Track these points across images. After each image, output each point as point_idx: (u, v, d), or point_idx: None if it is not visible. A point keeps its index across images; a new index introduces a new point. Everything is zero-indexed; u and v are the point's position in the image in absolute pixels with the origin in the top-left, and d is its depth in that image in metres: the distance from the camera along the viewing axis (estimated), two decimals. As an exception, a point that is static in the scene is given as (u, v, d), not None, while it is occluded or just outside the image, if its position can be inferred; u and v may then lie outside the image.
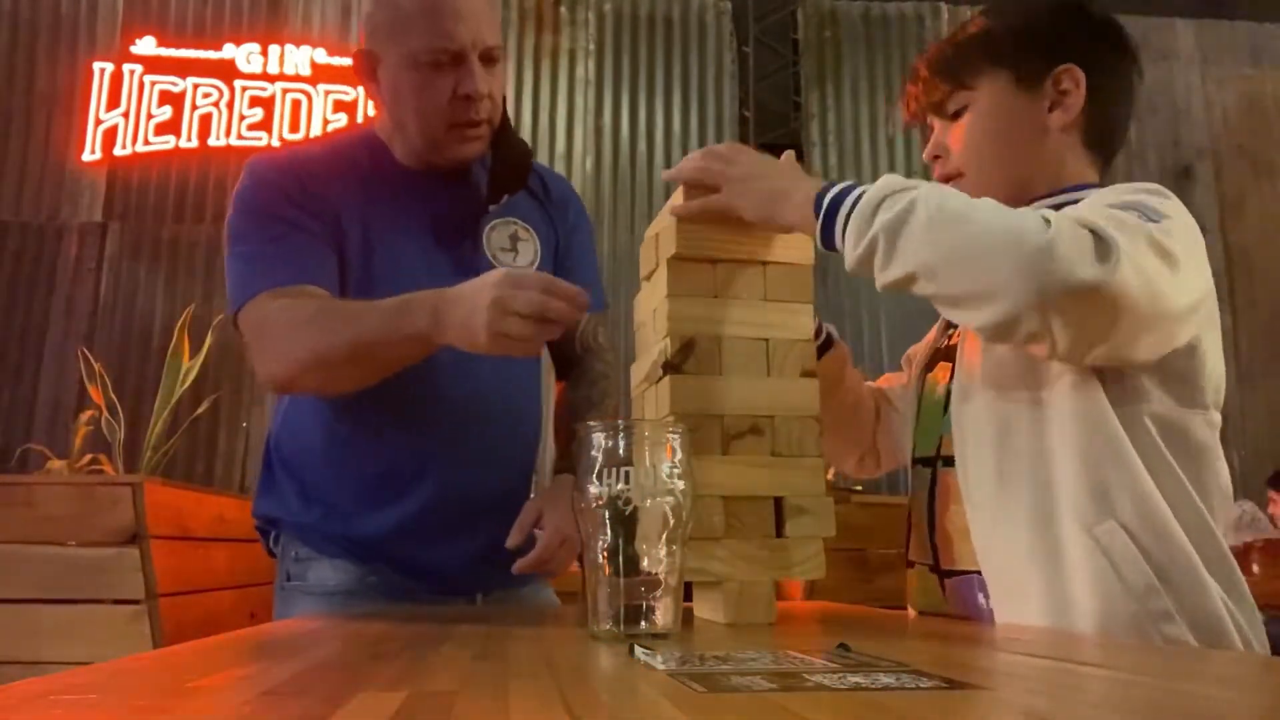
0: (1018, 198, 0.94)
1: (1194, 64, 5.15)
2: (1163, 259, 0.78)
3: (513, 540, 1.14)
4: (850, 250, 0.83)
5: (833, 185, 0.86)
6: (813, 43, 4.79)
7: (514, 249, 1.27)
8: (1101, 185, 0.99)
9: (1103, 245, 0.75)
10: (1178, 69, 5.11)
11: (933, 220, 0.79)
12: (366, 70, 1.24)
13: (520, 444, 1.31)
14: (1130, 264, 0.75)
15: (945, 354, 1.04)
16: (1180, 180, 5.06)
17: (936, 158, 1.04)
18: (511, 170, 1.27)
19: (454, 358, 1.06)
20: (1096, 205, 0.83)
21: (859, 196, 0.84)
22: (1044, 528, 0.88)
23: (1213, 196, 5.08)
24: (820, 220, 0.85)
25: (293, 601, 1.22)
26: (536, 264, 1.28)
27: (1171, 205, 0.86)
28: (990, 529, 0.92)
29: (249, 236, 1.17)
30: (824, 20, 4.84)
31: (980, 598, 0.94)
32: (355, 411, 1.20)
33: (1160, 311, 0.80)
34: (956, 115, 1.02)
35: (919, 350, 1.15)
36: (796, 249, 0.93)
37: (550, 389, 1.39)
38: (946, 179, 1.02)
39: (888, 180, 0.84)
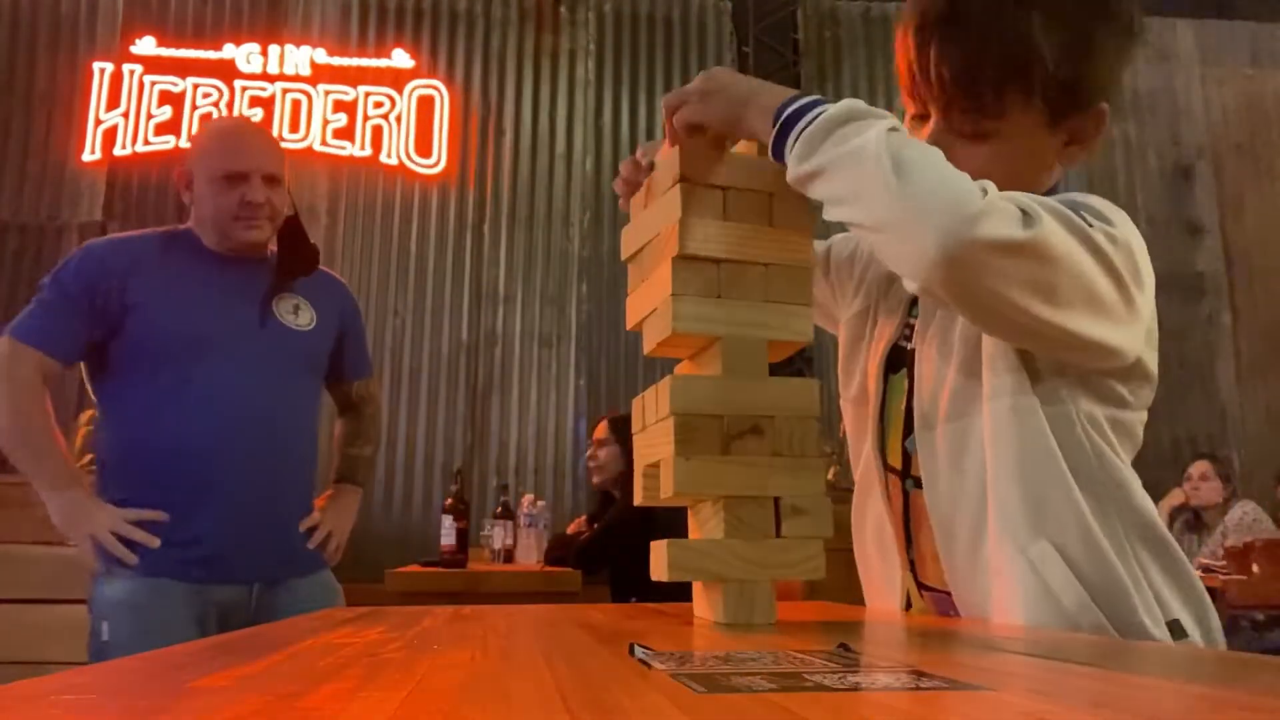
0: None
1: (1194, 64, 5.15)
2: (1093, 254, 0.78)
3: (304, 526, 1.74)
4: (792, 167, 0.82)
5: (799, 98, 0.84)
6: (813, 43, 4.80)
7: (296, 314, 1.78)
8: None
9: (1028, 218, 0.75)
10: (1177, 69, 5.11)
11: (882, 171, 0.75)
12: (184, 182, 1.74)
13: (301, 460, 1.78)
14: (1054, 234, 0.75)
15: (907, 359, 1.02)
16: (1180, 180, 5.06)
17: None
18: (299, 263, 1.79)
19: (248, 398, 1.65)
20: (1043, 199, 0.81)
21: (817, 115, 0.81)
22: (990, 550, 0.90)
23: (1213, 196, 5.08)
24: (775, 130, 0.83)
25: (109, 579, 1.61)
26: (314, 325, 1.79)
27: (1119, 215, 0.85)
28: (951, 552, 0.94)
29: (41, 292, 1.67)
30: (824, 20, 4.84)
31: (955, 615, 0.97)
32: (165, 432, 1.62)
33: (1085, 296, 0.79)
34: (974, 138, 0.92)
35: (880, 335, 1.06)
36: (797, 250, 0.93)
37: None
38: None
39: (850, 106, 0.81)
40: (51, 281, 1.67)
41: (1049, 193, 0.93)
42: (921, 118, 0.96)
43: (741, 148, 0.96)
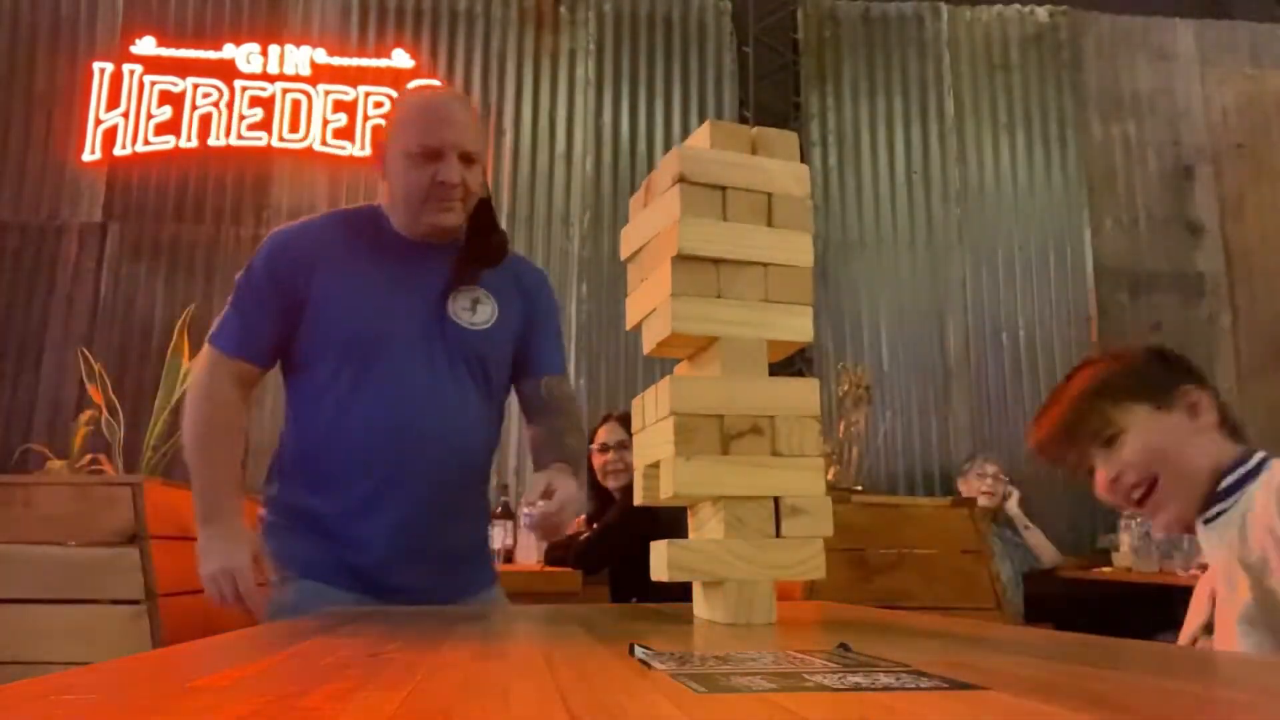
0: (1211, 483, 1.20)
1: (1194, 64, 5.15)
2: None
3: (528, 498, 1.47)
4: None
5: None
6: (813, 43, 4.79)
7: (473, 309, 1.62)
8: (1244, 452, 1.24)
9: None
10: (1178, 69, 5.11)
11: None
12: (378, 157, 1.62)
13: (470, 473, 1.62)
14: None
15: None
16: (1180, 180, 5.06)
17: (1123, 483, 1.22)
18: (486, 253, 1.63)
19: (416, 406, 1.51)
20: None
21: None
22: None
23: (1213, 196, 5.08)
24: None
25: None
26: (493, 322, 1.61)
27: None
28: None
29: (234, 294, 1.59)
30: (824, 20, 4.84)
31: None
32: (328, 435, 1.53)
33: None
34: (1110, 442, 1.21)
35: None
36: (797, 250, 0.93)
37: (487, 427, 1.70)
38: (1143, 488, 1.22)
39: None
40: (243, 278, 1.58)
41: (1236, 464, 1.21)
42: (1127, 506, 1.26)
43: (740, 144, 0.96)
